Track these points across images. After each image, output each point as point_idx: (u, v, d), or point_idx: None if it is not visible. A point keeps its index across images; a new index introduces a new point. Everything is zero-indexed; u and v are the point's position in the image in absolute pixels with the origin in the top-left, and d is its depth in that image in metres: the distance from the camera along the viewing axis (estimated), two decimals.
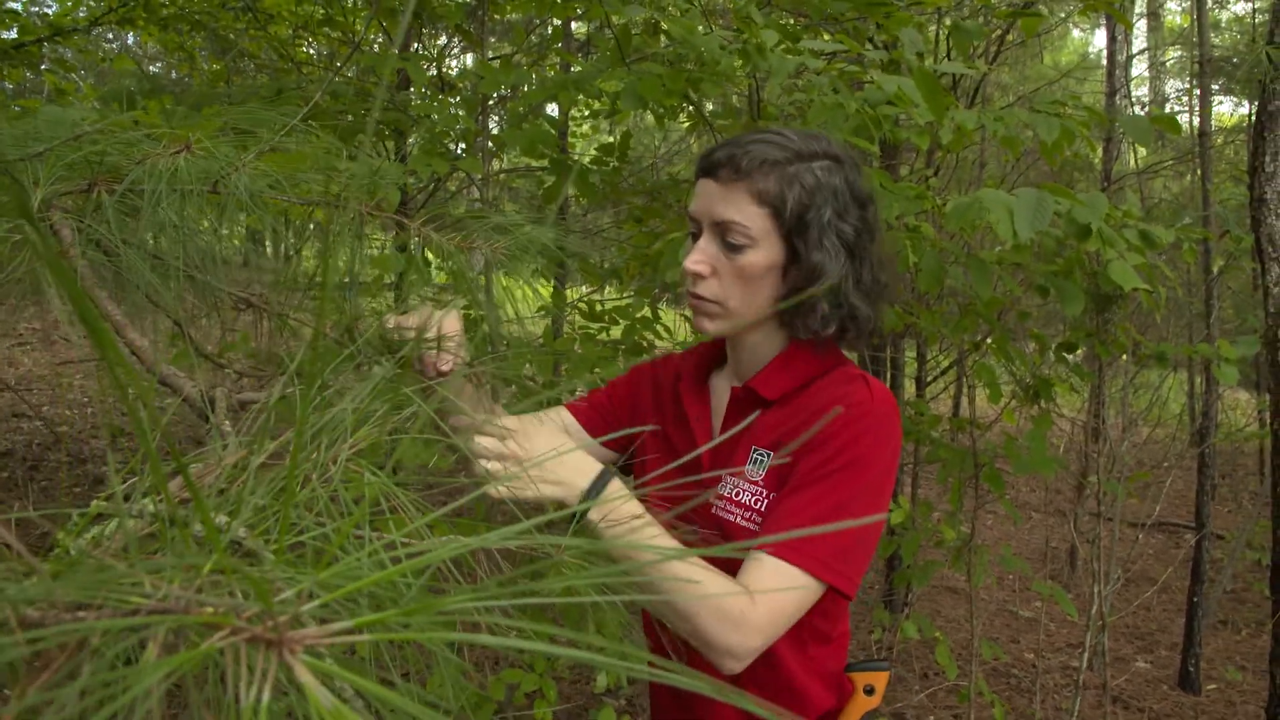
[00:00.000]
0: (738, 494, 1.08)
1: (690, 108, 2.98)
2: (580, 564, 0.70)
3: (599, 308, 2.79)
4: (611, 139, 3.07)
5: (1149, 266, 2.01)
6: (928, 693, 3.62)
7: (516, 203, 6.84)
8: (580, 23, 5.02)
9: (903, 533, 2.96)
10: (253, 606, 0.28)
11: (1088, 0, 2.23)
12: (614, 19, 2.38)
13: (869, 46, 2.62)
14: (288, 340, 1.00)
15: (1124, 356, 2.89)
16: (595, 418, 1.28)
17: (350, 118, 2.72)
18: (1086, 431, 3.84)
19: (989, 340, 2.65)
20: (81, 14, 4.57)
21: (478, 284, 1.03)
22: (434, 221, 1.05)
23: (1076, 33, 13.81)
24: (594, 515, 0.92)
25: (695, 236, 1.10)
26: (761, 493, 1.07)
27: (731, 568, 1.00)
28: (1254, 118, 3.10)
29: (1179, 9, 14.11)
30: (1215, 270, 4.15)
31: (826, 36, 2.65)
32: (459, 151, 2.81)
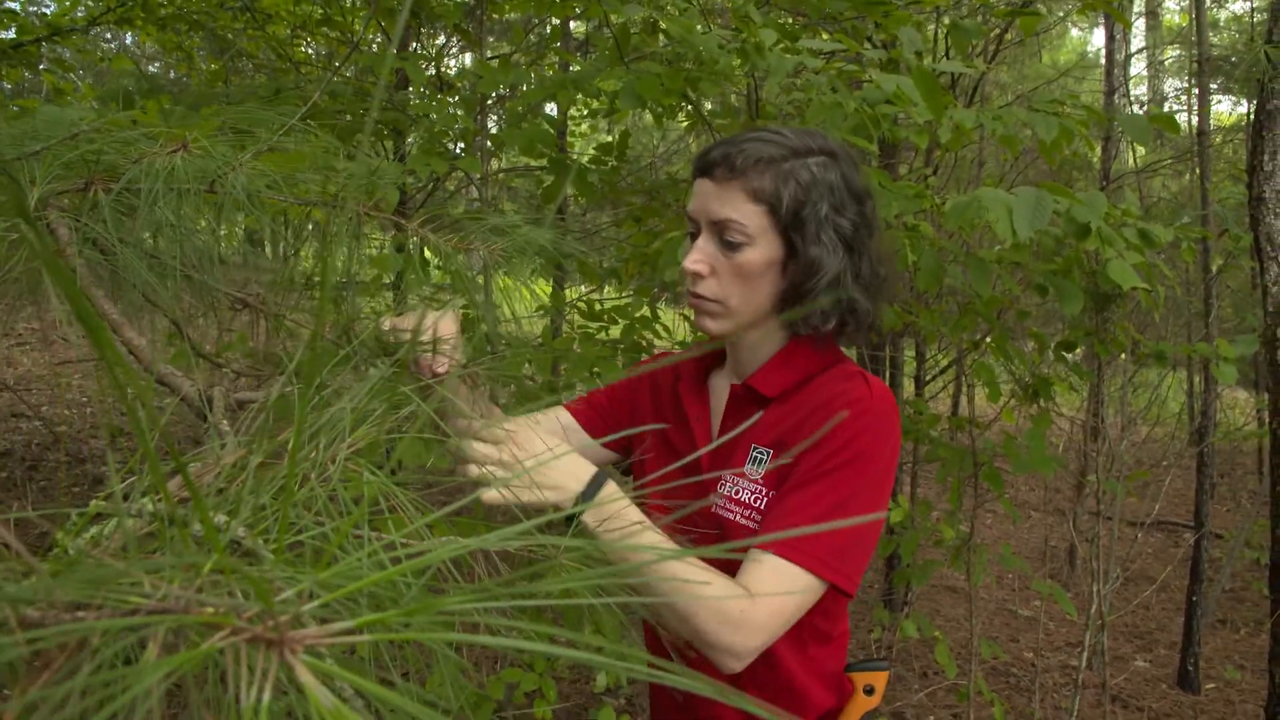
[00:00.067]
0: (737, 492, 1.08)
1: (689, 107, 2.98)
2: (577, 566, 0.70)
3: (598, 307, 2.79)
4: (610, 138, 3.07)
5: (1148, 265, 2.01)
6: (927, 692, 3.62)
7: (515, 202, 6.84)
8: (579, 22, 5.02)
9: (902, 532, 2.96)
10: (253, 606, 0.28)
11: None
12: (612, 18, 2.38)
13: (867, 45, 2.62)
14: (284, 340, 1.00)
15: (1123, 355, 2.90)
16: (595, 418, 1.28)
17: (349, 117, 2.72)
18: (1085, 430, 3.85)
19: (988, 339, 2.65)
20: (79, 14, 4.56)
21: (476, 284, 1.03)
22: (432, 222, 1.05)
23: (1075, 32, 13.81)
24: (589, 519, 0.92)
25: (694, 236, 1.10)
26: (761, 491, 1.07)
27: (732, 567, 1.00)
28: (1252, 116, 3.11)
29: (1177, 8, 14.12)
30: (1214, 269, 4.16)
31: (825, 35, 2.65)
32: (458, 151, 2.81)
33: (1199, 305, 4.58)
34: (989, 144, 4.14)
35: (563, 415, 1.27)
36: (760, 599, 0.94)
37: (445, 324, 0.96)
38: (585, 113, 4.57)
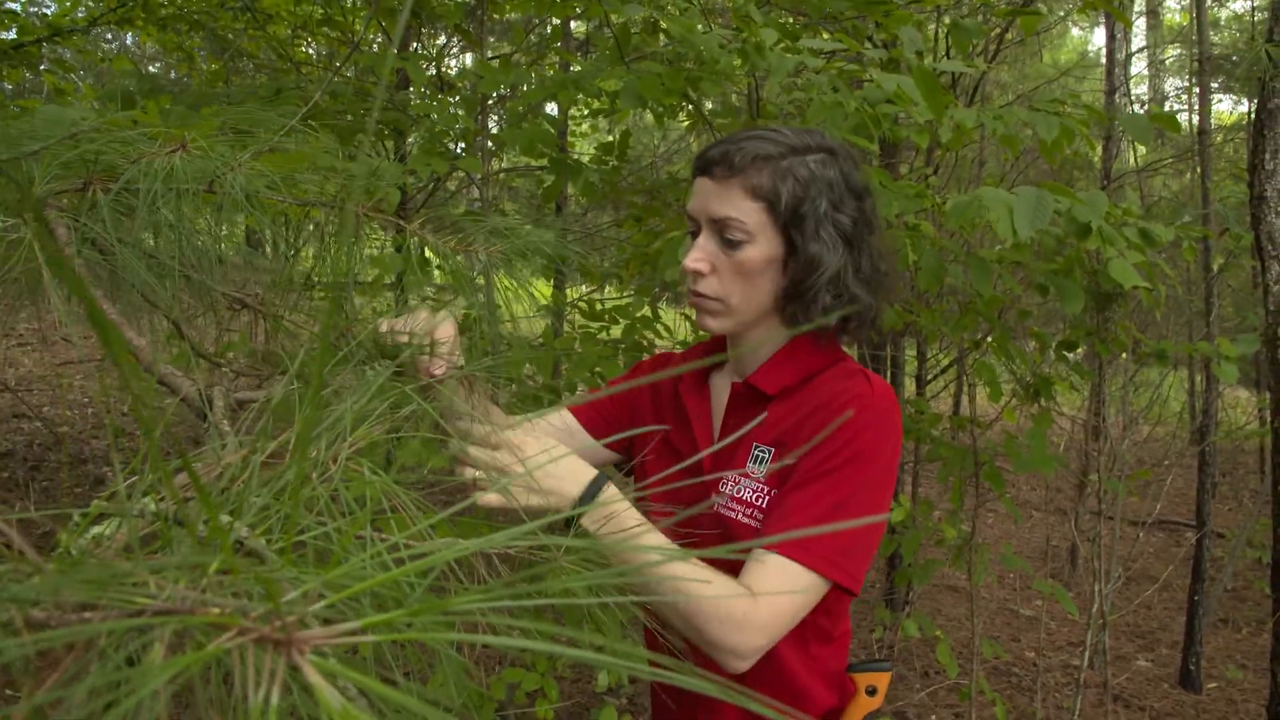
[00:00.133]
0: (739, 491, 1.08)
1: (689, 106, 2.98)
2: (577, 568, 0.70)
3: (599, 307, 2.79)
4: (611, 138, 3.07)
5: (1149, 264, 2.01)
6: (929, 691, 3.62)
7: (516, 202, 6.84)
8: (579, 22, 5.02)
9: (903, 531, 2.96)
10: (258, 607, 0.28)
11: None
12: (613, 18, 2.38)
13: (868, 45, 2.62)
14: (282, 340, 1.00)
15: (1124, 355, 2.89)
16: (596, 419, 1.28)
17: (349, 117, 2.72)
18: (1087, 430, 3.84)
19: (989, 339, 2.65)
20: (80, 14, 4.57)
21: (476, 285, 1.03)
22: (432, 223, 1.05)
23: (1076, 31, 13.81)
24: (588, 522, 0.92)
25: (694, 235, 1.10)
26: (763, 489, 1.07)
27: (735, 566, 1.00)
28: (1253, 115, 3.10)
29: (1178, 7, 14.12)
30: (1215, 268, 4.15)
31: (826, 35, 2.65)
32: (458, 151, 2.81)
33: (1200, 304, 4.58)
34: (990, 143, 4.14)
35: (564, 416, 1.27)
36: (763, 598, 0.94)
37: (443, 327, 0.96)
38: (586, 113, 4.56)
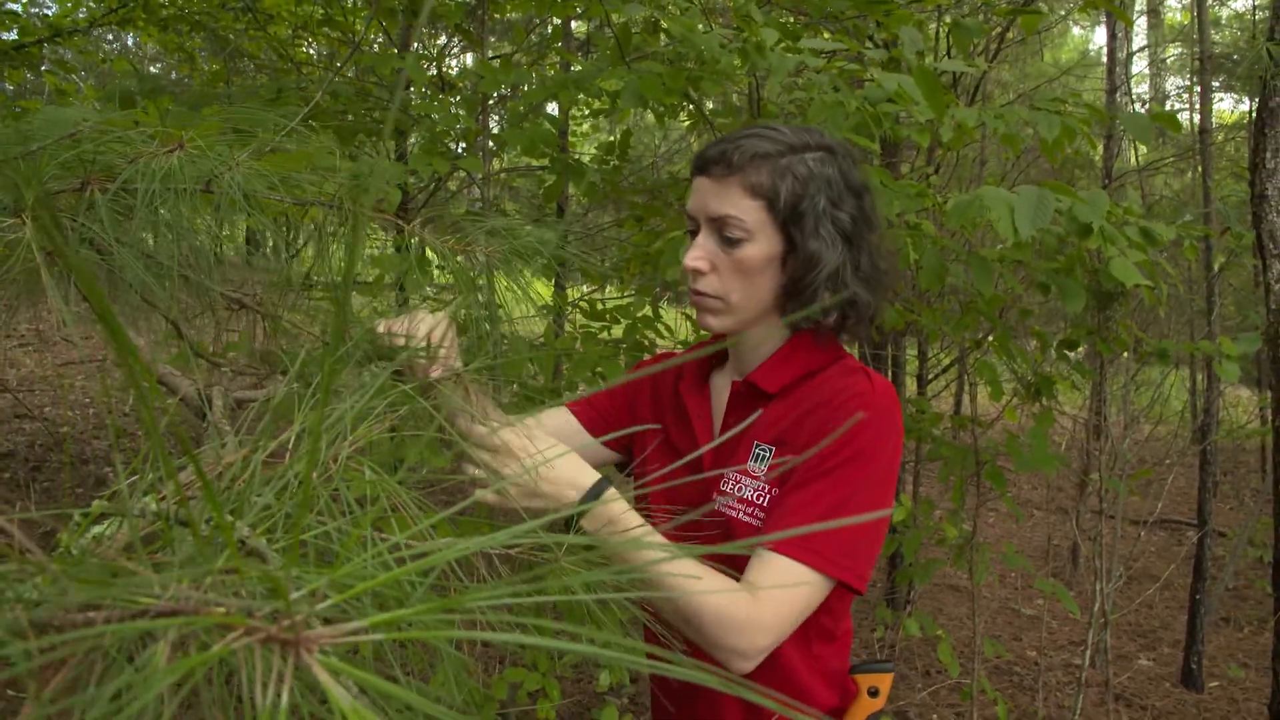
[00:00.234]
0: (740, 490, 1.08)
1: (690, 106, 2.98)
2: (576, 570, 0.70)
3: (600, 307, 2.79)
4: (612, 138, 3.07)
5: (1150, 263, 2.01)
6: (930, 691, 3.62)
7: (517, 202, 6.84)
8: (580, 22, 5.02)
9: (904, 531, 2.96)
10: (264, 606, 0.28)
11: None
12: (614, 18, 2.38)
13: (869, 44, 2.62)
14: (280, 340, 1.00)
15: (1125, 354, 2.89)
16: (596, 418, 1.28)
17: (350, 118, 2.72)
18: (1088, 429, 3.84)
19: (990, 338, 2.65)
20: (81, 15, 4.57)
21: (477, 285, 1.03)
22: (432, 223, 1.05)
23: (1077, 30, 13.80)
24: (588, 526, 0.92)
25: (693, 234, 1.10)
26: (764, 488, 1.07)
27: (737, 564, 1.00)
28: (1254, 114, 3.10)
29: (1179, 6, 14.10)
30: (1216, 267, 4.15)
31: (826, 35, 2.65)
32: (459, 151, 2.81)
33: (1201, 303, 4.58)
34: (991, 143, 4.13)
35: (564, 415, 1.27)
36: (766, 599, 0.93)
37: (439, 330, 0.96)
38: (587, 112, 4.56)
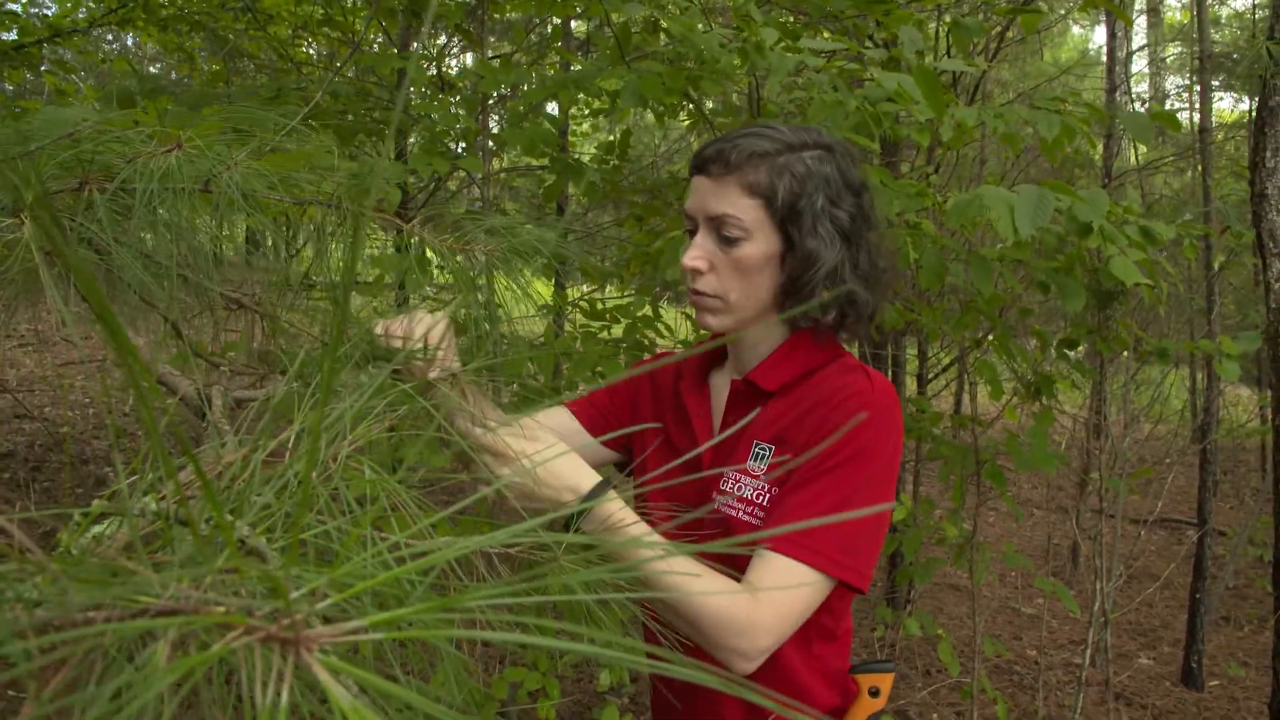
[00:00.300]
0: (740, 489, 1.08)
1: (690, 106, 2.98)
2: (575, 569, 0.70)
3: (600, 306, 2.79)
4: (612, 137, 3.07)
5: (1150, 262, 2.01)
6: (930, 690, 3.62)
7: (517, 202, 6.84)
8: (580, 21, 5.02)
9: (905, 530, 2.96)
10: (264, 605, 0.28)
11: None
12: (614, 17, 2.38)
13: (869, 44, 2.62)
14: (279, 341, 1.00)
15: (1125, 353, 2.89)
16: (595, 417, 1.27)
17: (350, 117, 2.72)
18: (1088, 428, 3.84)
19: (990, 337, 2.65)
20: (81, 15, 4.57)
21: (477, 284, 1.03)
22: (431, 222, 1.05)
23: (1076, 29, 13.79)
24: (586, 529, 0.91)
25: (692, 234, 1.10)
26: (764, 487, 1.06)
27: (738, 563, 1.00)
28: (1254, 113, 3.10)
29: (1179, 5, 14.09)
30: (1216, 266, 4.15)
31: (826, 34, 2.65)
32: (459, 150, 2.81)
33: (1201, 302, 4.58)
34: (991, 142, 4.13)
35: (563, 415, 1.27)
36: (764, 599, 0.93)
37: (436, 331, 0.95)
38: (587, 112, 4.57)
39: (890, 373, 4.28)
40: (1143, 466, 3.26)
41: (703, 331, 1.32)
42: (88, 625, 0.27)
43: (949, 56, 3.81)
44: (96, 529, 0.48)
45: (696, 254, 1.07)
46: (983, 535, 3.11)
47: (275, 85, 2.87)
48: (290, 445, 0.61)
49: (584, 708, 3.26)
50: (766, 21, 2.08)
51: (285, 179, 0.94)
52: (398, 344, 0.90)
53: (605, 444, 1.26)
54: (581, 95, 2.43)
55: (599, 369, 2.34)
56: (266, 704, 0.25)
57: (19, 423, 5.62)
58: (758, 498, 1.06)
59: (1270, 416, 3.04)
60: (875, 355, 3.94)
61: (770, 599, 0.94)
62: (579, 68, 2.74)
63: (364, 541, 0.53)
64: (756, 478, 1.08)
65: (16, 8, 4.43)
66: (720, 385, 1.20)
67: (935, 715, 3.45)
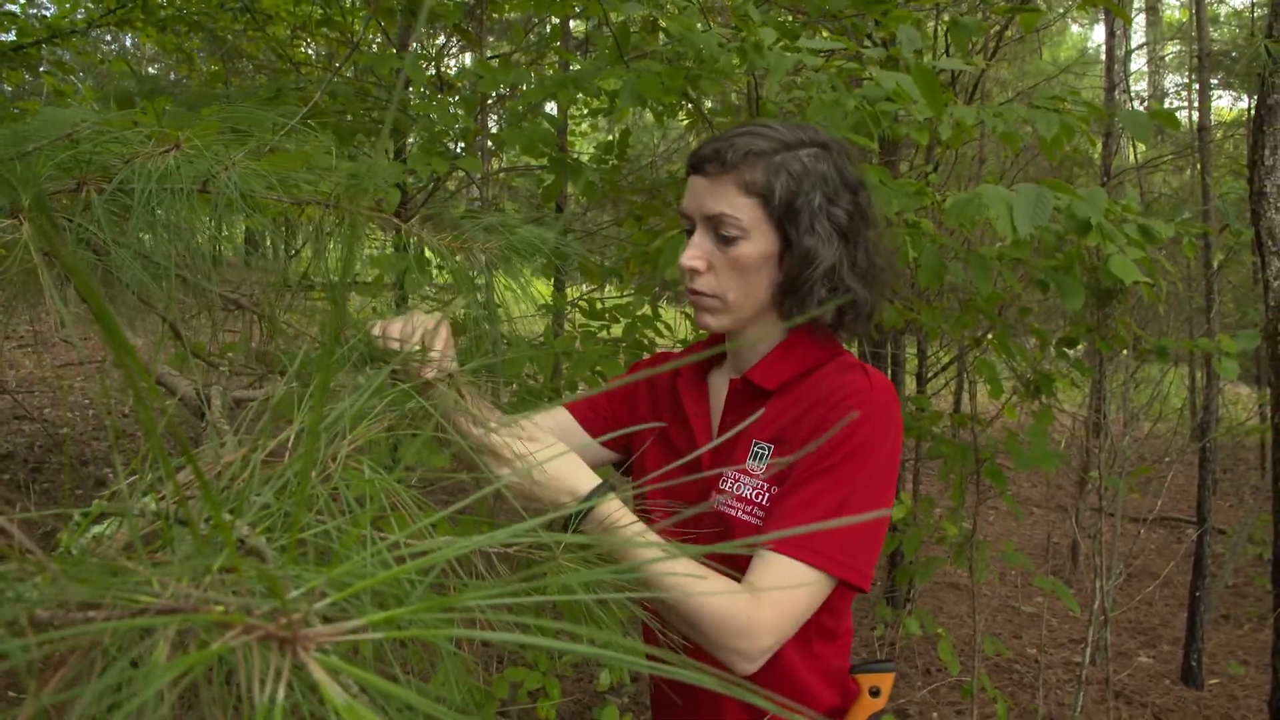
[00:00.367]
0: (739, 488, 1.08)
1: (689, 105, 2.98)
2: (575, 568, 0.70)
3: (599, 306, 2.79)
4: (610, 137, 3.07)
5: (1149, 261, 2.01)
6: (930, 689, 3.62)
7: (516, 201, 6.84)
8: (579, 21, 5.02)
9: (904, 529, 2.96)
10: (263, 605, 0.28)
11: None
12: (612, 17, 2.38)
13: (867, 43, 2.62)
14: (278, 341, 1.00)
15: (1125, 351, 2.89)
16: (594, 418, 1.27)
17: (349, 117, 2.72)
18: (1088, 427, 3.84)
19: (989, 336, 2.65)
20: (79, 16, 4.57)
21: (476, 284, 1.03)
22: (430, 221, 1.05)
23: (1075, 28, 13.80)
24: (584, 530, 0.91)
25: (689, 233, 1.10)
26: (763, 487, 1.06)
27: (738, 563, 1.00)
28: (1253, 112, 3.10)
29: (1178, 3, 14.09)
30: (1215, 265, 4.15)
31: (825, 34, 2.65)
32: (458, 150, 2.81)
33: (1200, 301, 4.58)
34: (990, 141, 4.13)
35: (563, 416, 1.27)
36: (765, 600, 0.93)
37: (435, 332, 0.95)
38: (586, 112, 4.56)
39: (889, 371, 4.28)
40: (1142, 465, 3.26)
41: (701, 331, 1.32)
42: (87, 624, 0.27)
43: (947, 55, 3.80)
44: (96, 529, 0.48)
45: (694, 254, 1.07)
46: (982, 534, 3.11)
47: (274, 85, 2.87)
48: (289, 445, 0.61)
49: (584, 707, 3.26)
50: (765, 21, 2.08)
51: (284, 179, 0.94)
52: (394, 345, 0.90)
53: (605, 444, 1.26)
54: (580, 95, 2.43)
55: (598, 369, 2.34)
56: (264, 702, 0.25)
57: (18, 424, 5.62)
58: (757, 497, 1.06)
59: (1269, 414, 3.04)
60: (875, 354, 3.94)
61: (771, 599, 0.93)
62: (578, 67, 2.74)
63: (363, 541, 0.53)
64: (755, 477, 1.07)
65: (15, 8, 4.42)
66: (718, 384, 1.20)
67: (935, 714, 3.45)
